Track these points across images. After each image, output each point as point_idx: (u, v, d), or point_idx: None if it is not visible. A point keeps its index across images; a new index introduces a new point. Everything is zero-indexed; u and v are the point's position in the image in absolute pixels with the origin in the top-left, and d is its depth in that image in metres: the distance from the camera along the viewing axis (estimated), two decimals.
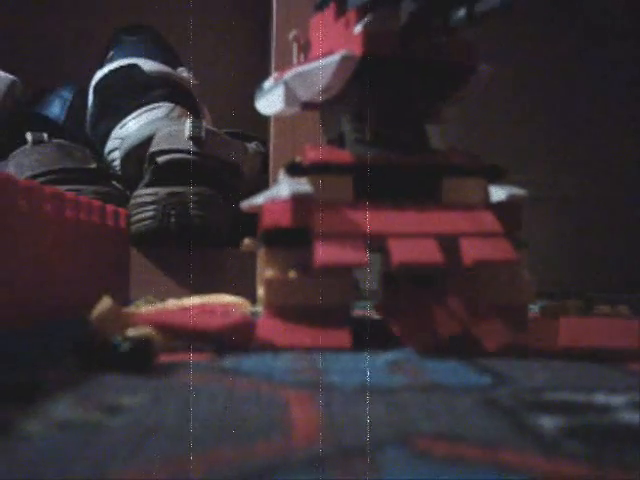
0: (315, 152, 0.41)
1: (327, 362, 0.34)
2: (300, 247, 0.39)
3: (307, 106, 0.43)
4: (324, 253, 0.36)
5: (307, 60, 0.44)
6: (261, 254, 0.42)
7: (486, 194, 0.40)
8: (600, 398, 0.27)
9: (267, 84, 0.45)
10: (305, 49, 0.46)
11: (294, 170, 0.41)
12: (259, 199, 0.41)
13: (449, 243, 0.37)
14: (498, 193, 0.40)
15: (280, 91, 0.43)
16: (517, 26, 0.99)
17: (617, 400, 0.26)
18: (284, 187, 0.39)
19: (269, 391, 0.27)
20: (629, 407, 0.25)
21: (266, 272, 0.40)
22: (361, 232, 0.37)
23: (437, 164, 0.41)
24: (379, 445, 0.20)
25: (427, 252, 0.36)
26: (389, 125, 0.42)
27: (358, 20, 0.41)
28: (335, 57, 0.40)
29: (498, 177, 0.41)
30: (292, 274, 0.39)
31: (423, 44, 0.40)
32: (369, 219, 0.38)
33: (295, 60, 0.45)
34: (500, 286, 0.39)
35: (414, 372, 0.32)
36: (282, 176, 0.41)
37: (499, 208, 0.39)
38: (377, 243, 0.37)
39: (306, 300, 0.39)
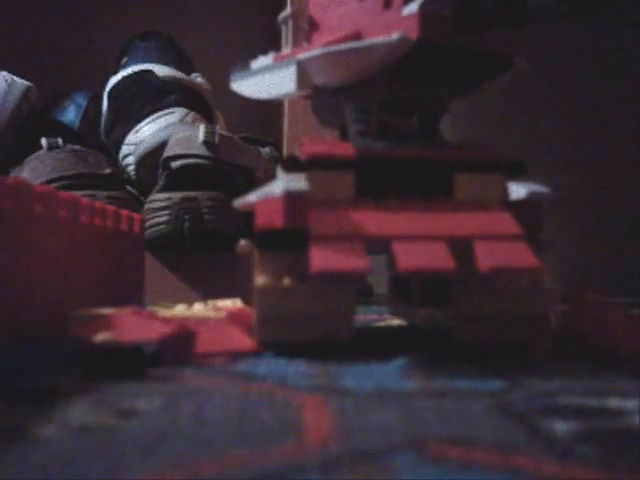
0: (314, 145, 0.37)
1: (340, 367, 0.34)
2: (296, 251, 0.35)
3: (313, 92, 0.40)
4: (321, 258, 0.32)
5: (312, 41, 0.40)
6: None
7: (504, 192, 0.37)
8: (613, 402, 0.26)
9: (257, 64, 0.41)
10: (304, 30, 0.41)
11: (291, 165, 0.37)
12: (252, 197, 0.37)
13: (462, 247, 0.34)
14: (517, 190, 0.36)
15: (290, 72, 0.38)
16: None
17: (630, 404, 0.26)
18: (278, 184, 0.36)
19: (283, 395, 0.27)
20: None
21: (258, 278, 0.36)
22: (362, 234, 0.34)
23: (449, 158, 0.37)
24: (392, 449, 0.20)
25: (436, 257, 0.32)
26: (397, 116, 0.38)
27: (405, 1, 0.36)
28: (392, 37, 0.35)
29: (517, 173, 0.38)
30: (286, 281, 0.36)
31: (472, 32, 0.37)
32: (372, 220, 0.35)
33: (285, 41, 0.41)
34: (518, 294, 0.36)
35: (427, 377, 0.32)
36: (279, 172, 0.38)
37: (518, 207, 0.36)
38: (381, 246, 0.35)
39: (302, 310, 0.35)
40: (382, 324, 0.52)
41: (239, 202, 0.38)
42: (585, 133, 1.02)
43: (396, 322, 0.51)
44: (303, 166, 0.36)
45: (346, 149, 0.37)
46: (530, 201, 0.36)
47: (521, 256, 0.33)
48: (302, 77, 0.38)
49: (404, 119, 0.38)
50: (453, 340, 0.37)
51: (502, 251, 0.33)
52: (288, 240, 0.36)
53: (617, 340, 0.36)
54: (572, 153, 1.02)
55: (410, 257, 0.32)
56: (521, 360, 0.36)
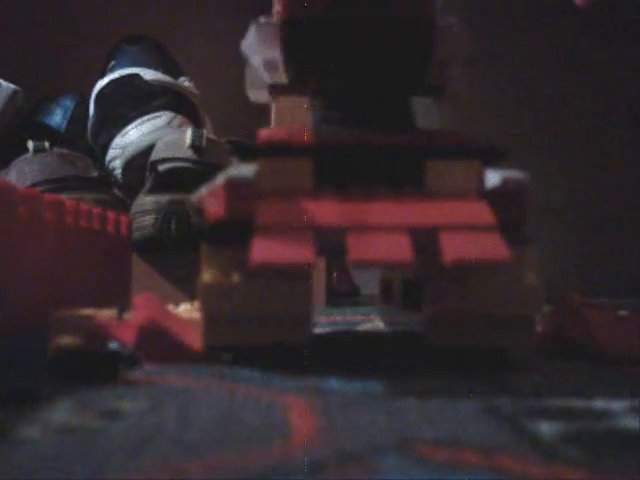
0: (269, 131, 0.34)
1: (326, 368, 0.34)
2: (245, 244, 0.31)
3: (279, 90, 0.38)
4: (261, 249, 0.29)
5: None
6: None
7: (481, 181, 0.33)
8: (599, 403, 0.26)
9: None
10: None
11: (244, 153, 0.34)
12: (203, 189, 0.35)
13: (431, 240, 0.31)
14: (492, 178, 0.33)
15: (247, 76, 0.38)
16: (521, 29, 0.99)
17: (616, 405, 0.26)
18: (225, 173, 0.33)
19: (268, 396, 0.27)
20: (629, 412, 0.25)
21: (204, 274, 0.33)
22: (312, 225, 0.31)
23: (420, 144, 0.34)
24: (378, 450, 0.20)
25: (392, 248, 0.29)
26: (361, 99, 0.35)
27: None
28: (255, 25, 0.35)
29: (496, 160, 0.34)
30: (235, 277, 0.33)
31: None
32: (328, 211, 0.31)
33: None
34: (496, 293, 0.33)
35: (413, 378, 0.32)
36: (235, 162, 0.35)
37: (497, 197, 0.33)
38: (336, 239, 0.31)
39: (251, 310, 0.32)
40: (365, 326, 0.51)
41: (194, 196, 0.36)
42: (583, 136, 1.02)
43: (381, 324, 0.51)
44: (257, 153, 0.33)
45: (304, 135, 0.34)
46: (510, 190, 0.33)
47: (491, 247, 0.30)
48: (253, 80, 0.38)
49: (370, 103, 0.35)
50: (428, 345, 0.34)
51: (470, 242, 0.30)
52: (237, 233, 0.32)
53: (602, 341, 0.36)
54: (568, 160, 1.02)
55: (363, 248, 0.29)
56: (503, 363, 0.35)
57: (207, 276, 0.33)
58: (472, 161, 0.33)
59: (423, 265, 0.34)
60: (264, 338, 0.33)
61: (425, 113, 0.37)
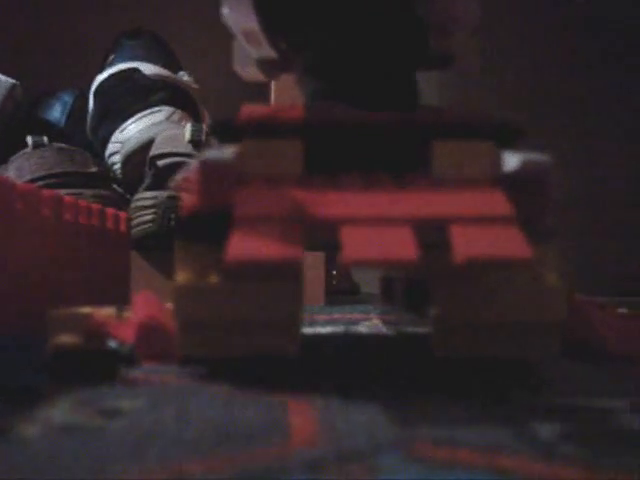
0: (253, 108, 0.30)
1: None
2: (225, 240, 0.26)
3: (273, 67, 0.34)
4: (239, 244, 0.25)
5: None
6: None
7: (496, 164, 0.29)
8: (599, 402, 0.26)
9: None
10: None
11: (223, 132, 0.29)
12: (179, 175, 0.31)
13: (439, 234, 0.27)
14: (510, 161, 0.29)
15: (235, 51, 0.34)
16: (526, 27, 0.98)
17: (616, 404, 0.26)
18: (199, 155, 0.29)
19: (268, 396, 0.27)
20: (628, 411, 0.25)
21: (178, 274, 0.30)
22: (301, 217, 0.27)
23: (425, 123, 0.30)
24: (377, 449, 0.20)
25: (394, 245, 0.25)
26: (356, 72, 0.31)
27: None
28: None
29: (513, 140, 0.30)
30: (213, 278, 0.29)
31: None
32: (320, 200, 0.27)
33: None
34: (513, 296, 0.29)
35: (412, 377, 0.32)
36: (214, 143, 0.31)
37: (514, 184, 0.29)
38: (329, 233, 0.27)
39: (232, 315, 0.28)
40: (364, 326, 0.51)
41: (173, 182, 0.33)
42: (586, 131, 1.02)
43: (382, 326, 0.51)
44: (239, 133, 0.29)
45: (294, 113, 0.29)
46: (530, 176, 0.29)
47: (509, 243, 0.25)
48: (240, 55, 0.34)
49: (368, 77, 0.31)
50: (433, 354, 0.30)
51: (485, 237, 0.25)
52: (215, 226, 0.28)
53: (604, 340, 0.36)
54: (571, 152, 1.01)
55: (359, 244, 0.25)
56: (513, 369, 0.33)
57: (181, 277, 0.29)
58: (485, 141, 0.29)
59: (429, 264, 0.30)
60: (247, 348, 0.29)
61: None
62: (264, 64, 0.34)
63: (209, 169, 0.28)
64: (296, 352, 0.29)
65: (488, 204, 0.27)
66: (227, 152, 0.28)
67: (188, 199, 0.29)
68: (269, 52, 0.33)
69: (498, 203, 0.27)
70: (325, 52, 0.31)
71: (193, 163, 0.29)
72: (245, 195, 0.27)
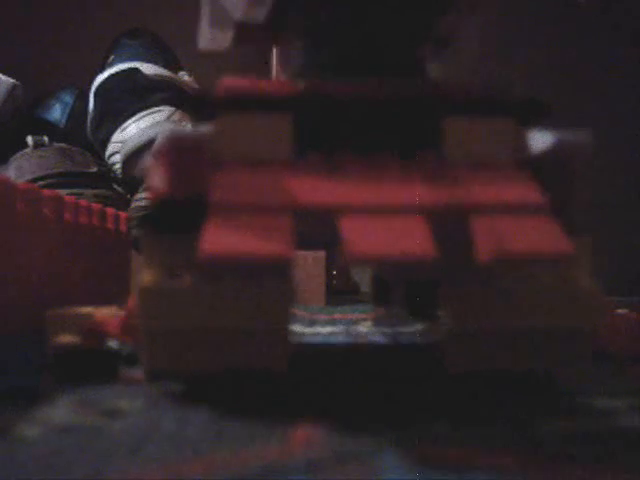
0: (235, 79, 0.25)
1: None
2: (199, 234, 0.21)
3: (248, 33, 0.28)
4: (215, 236, 0.21)
5: None
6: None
7: (519, 144, 0.25)
8: (601, 402, 0.26)
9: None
10: None
11: (199, 108, 0.24)
12: (147, 156, 0.26)
13: (454, 226, 0.23)
14: (540, 140, 0.25)
15: (204, 11, 0.29)
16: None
17: (618, 404, 0.26)
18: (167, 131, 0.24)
19: (268, 395, 0.27)
20: (630, 411, 0.25)
21: (143, 275, 0.24)
22: (290, 205, 0.22)
23: (436, 97, 0.25)
24: (378, 450, 0.20)
25: (406, 240, 0.21)
26: (358, 39, 0.26)
27: None
28: None
29: (537, 117, 0.25)
30: (185, 279, 0.24)
31: None
32: (312, 185, 0.23)
33: None
34: (541, 299, 0.25)
35: (412, 377, 0.31)
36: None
37: (543, 166, 0.24)
38: (326, 223, 0.23)
39: (208, 322, 0.23)
40: (364, 326, 0.51)
41: (142, 167, 0.28)
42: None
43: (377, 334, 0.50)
44: (217, 108, 0.24)
45: (282, 85, 0.25)
46: (561, 156, 0.24)
47: (546, 237, 0.21)
48: (216, 15, 0.29)
49: (370, 46, 0.27)
50: (443, 367, 0.26)
51: (515, 229, 0.21)
52: (187, 217, 0.24)
53: (605, 339, 0.36)
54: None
55: (364, 239, 0.21)
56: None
57: (147, 277, 0.24)
58: (507, 118, 0.25)
59: (442, 262, 0.23)
60: (225, 362, 0.24)
61: None
62: (244, 30, 0.29)
63: (181, 149, 0.23)
64: (284, 367, 0.24)
65: (515, 191, 0.23)
66: (202, 130, 0.24)
67: (155, 185, 0.24)
68: (260, 15, 0.27)
69: (527, 189, 0.23)
70: (333, 17, 0.27)
71: (158, 140, 0.24)
72: (222, 178, 0.23)
